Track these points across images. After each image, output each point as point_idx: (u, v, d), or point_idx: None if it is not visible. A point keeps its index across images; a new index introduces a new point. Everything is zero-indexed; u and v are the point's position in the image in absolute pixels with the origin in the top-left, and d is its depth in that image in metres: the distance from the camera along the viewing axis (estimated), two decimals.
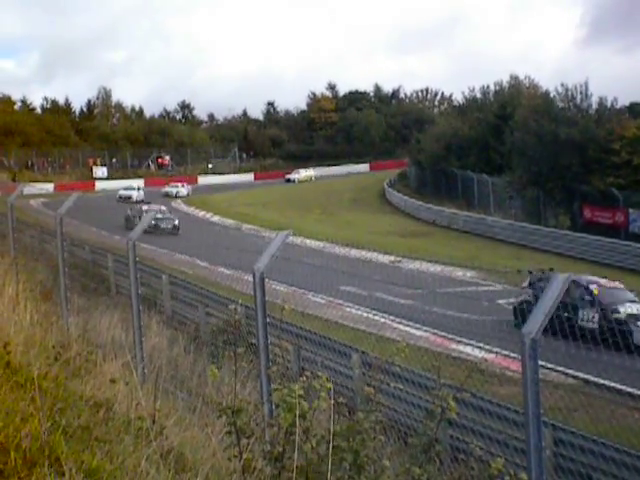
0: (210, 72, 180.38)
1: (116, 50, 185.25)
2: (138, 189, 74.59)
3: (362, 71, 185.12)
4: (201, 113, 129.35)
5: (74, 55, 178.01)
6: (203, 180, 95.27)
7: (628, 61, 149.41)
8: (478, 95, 72.19)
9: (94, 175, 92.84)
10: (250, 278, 7.99)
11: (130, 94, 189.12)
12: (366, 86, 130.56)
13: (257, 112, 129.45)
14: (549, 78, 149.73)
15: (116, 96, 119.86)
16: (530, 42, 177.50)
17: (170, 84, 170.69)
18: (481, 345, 16.09)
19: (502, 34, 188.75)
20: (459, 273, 29.44)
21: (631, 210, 44.78)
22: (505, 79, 69.15)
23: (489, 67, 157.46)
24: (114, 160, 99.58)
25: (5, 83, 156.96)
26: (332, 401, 5.72)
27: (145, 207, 47.34)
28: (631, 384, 14.46)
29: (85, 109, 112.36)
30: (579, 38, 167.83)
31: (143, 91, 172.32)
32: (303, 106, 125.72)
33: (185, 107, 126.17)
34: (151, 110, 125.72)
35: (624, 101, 63.26)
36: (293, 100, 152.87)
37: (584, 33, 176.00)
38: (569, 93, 53.02)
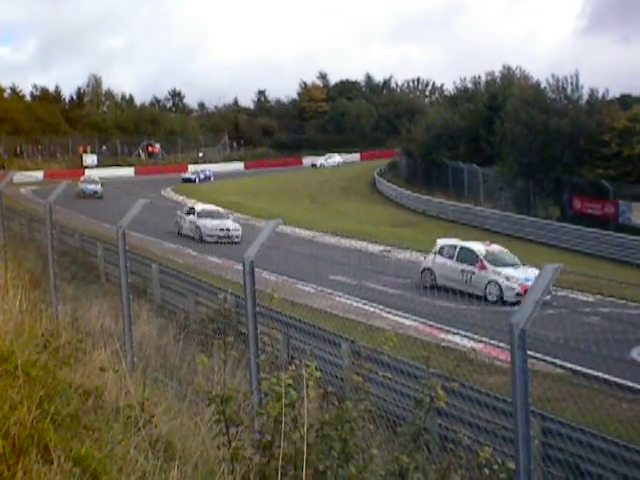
0: (205, 60, 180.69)
1: (113, 37, 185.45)
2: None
3: (356, 60, 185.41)
4: (192, 101, 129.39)
5: (71, 42, 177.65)
6: (193, 169, 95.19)
7: (627, 52, 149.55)
8: (469, 85, 72.24)
9: (84, 163, 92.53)
10: (240, 267, 7.99)
11: (126, 81, 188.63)
12: (361, 75, 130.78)
13: (248, 101, 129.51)
14: (548, 68, 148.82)
15: (113, 83, 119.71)
16: (529, 33, 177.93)
17: (165, 72, 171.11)
18: (470, 335, 16.14)
19: (501, 24, 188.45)
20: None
21: (620, 201, 44.91)
22: (497, 69, 69.24)
23: (487, 58, 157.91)
24: (104, 148, 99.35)
25: (2, 70, 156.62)
26: (321, 390, 5.73)
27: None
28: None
29: (75, 97, 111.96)
30: (579, 28, 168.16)
31: (139, 78, 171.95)
32: (295, 95, 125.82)
33: (176, 95, 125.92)
34: (146, 98, 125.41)
35: (619, 92, 63.62)
36: (288, 88, 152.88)
37: (584, 23, 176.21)
38: (560, 84, 53.07)
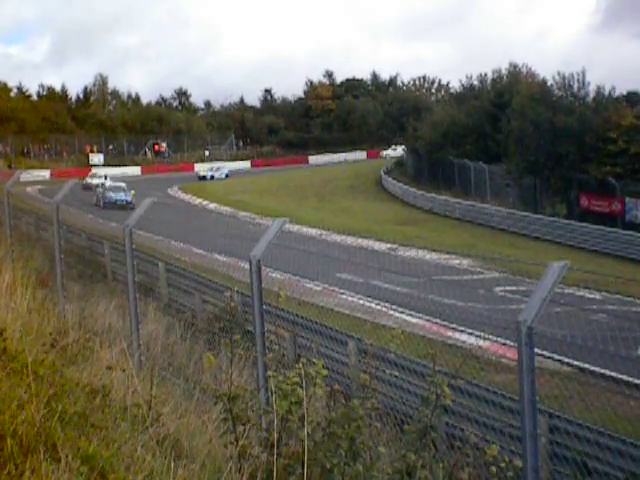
0: (215, 59, 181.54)
1: (125, 36, 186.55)
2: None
3: (365, 59, 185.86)
4: (199, 100, 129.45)
5: (84, 40, 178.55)
6: (199, 167, 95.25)
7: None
8: (475, 83, 72.17)
9: (91, 162, 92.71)
10: (246, 265, 7.99)
11: (138, 80, 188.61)
12: (369, 73, 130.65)
13: (254, 99, 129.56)
14: (562, 65, 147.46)
15: (125, 82, 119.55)
16: (543, 30, 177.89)
17: (176, 71, 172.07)
18: (477, 333, 16.11)
19: (514, 22, 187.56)
20: (456, 261, 29.44)
21: (627, 199, 44.79)
22: (504, 67, 69.11)
23: (500, 55, 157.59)
24: (111, 147, 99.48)
25: (15, 68, 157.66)
26: (328, 388, 5.74)
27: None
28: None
29: (81, 96, 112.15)
30: (593, 25, 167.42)
31: (150, 77, 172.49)
32: (301, 94, 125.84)
33: (182, 94, 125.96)
34: (157, 96, 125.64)
35: (633, 88, 63.57)
36: (298, 87, 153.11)
37: (598, 20, 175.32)
38: (566, 81, 52.96)
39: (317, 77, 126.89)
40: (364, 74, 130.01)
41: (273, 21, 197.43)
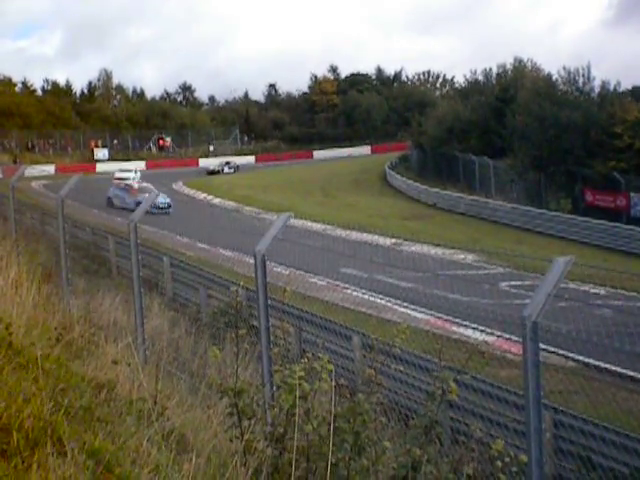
0: (223, 54, 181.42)
1: (132, 30, 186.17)
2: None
3: (372, 53, 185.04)
4: (203, 95, 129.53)
5: (94, 34, 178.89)
6: (204, 162, 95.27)
7: None
8: (480, 78, 71.97)
9: (95, 157, 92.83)
10: (251, 260, 8.00)
11: (144, 75, 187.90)
12: (374, 68, 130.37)
13: (258, 94, 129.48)
14: (575, 61, 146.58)
15: (132, 77, 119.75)
16: (555, 25, 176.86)
17: (183, 66, 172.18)
18: (482, 328, 16.10)
19: (526, 17, 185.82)
20: (460, 256, 29.41)
21: (633, 194, 44.67)
22: (509, 62, 68.91)
23: (512, 51, 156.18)
24: (115, 142, 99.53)
25: (28, 62, 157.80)
26: (333, 383, 5.74)
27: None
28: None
29: (86, 91, 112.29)
30: (607, 20, 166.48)
31: (157, 72, 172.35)
32: (306, 88, 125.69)
33: (186, 89, 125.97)
34: (163, 91, 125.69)
35: (634, 84, 63.41)
36: (303, 82, 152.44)
37: (612, 14, 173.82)
38: (571, 76, 52.82)
39: (322, 72, 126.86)
40: (370, 69, 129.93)
41: (280, 15, 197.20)
